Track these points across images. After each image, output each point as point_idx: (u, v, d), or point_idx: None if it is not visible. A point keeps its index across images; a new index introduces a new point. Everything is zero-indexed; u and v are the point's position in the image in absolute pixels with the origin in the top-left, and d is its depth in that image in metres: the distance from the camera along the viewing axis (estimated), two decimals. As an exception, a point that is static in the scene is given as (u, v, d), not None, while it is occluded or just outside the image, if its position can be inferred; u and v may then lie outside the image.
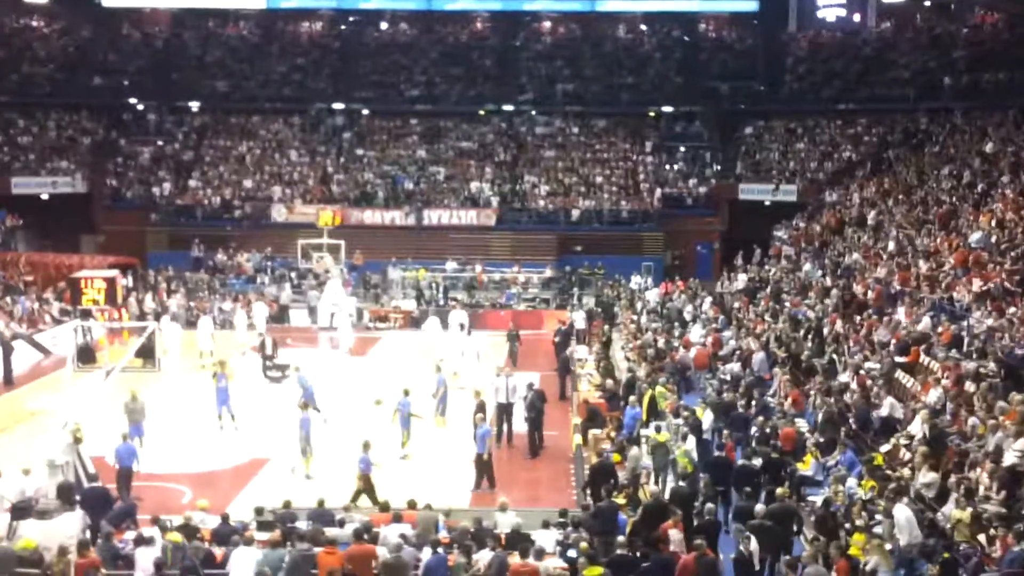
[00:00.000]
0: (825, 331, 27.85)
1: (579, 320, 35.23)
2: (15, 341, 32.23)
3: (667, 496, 18.10)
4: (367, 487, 19.88)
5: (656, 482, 19.78)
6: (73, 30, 57.35)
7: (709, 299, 36.76)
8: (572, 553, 15.50)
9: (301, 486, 20.69)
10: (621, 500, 18.36)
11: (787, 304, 32.28)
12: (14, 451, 22.40)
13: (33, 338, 34.11)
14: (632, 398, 23.48)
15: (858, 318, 28.00)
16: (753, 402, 23.86)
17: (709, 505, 17.10)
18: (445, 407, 25.33)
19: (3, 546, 15.93)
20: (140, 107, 55.13)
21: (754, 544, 15.53)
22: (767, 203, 48.28)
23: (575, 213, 49.28)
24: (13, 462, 19.58)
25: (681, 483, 18.66)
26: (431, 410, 25.19)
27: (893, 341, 24.79)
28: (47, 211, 49.20)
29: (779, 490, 17.69)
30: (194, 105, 55.14)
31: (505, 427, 24.83)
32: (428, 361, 29.52)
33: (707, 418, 22.44)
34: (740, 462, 19.55)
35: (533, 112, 54.67)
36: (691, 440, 20.65)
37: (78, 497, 17.85)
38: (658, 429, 21.71)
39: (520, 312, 40.54)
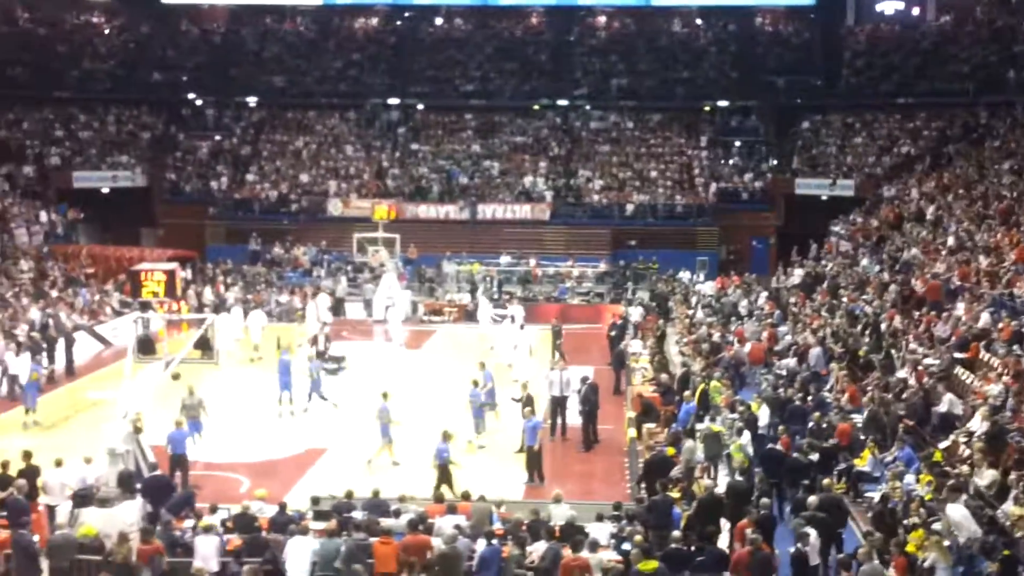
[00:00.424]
0: (883, 327, 27.57)
1: (635, 314, 35.12)
2: (77, 332, 32.78)
3: (722, 490, 18.02)
4: (445, 478, 19.98)
5: (708, 473, 19.75)
6: (132, 27, 58.09)
7: (764, 294, 36.52)
8: (626, 546, 15.50)
9: (357, 476, 20.79)
10: (675, 494, 18.32)
11: (844, 299, 31.99)
12: (76, 440, 22.81)
13: (94, 329, 34.67)
14: (687, 392, 23.42)
15: (916, 314, 27.70)
16: (809, 398, 23.69)
17: (764, 500, 17.01)
18: (494, 401, 25.34)
19: (65, 533, 16.20)
20: (198, 102, 55.72)
21: (815, 537, 15.43)
22: (824, 198, 47.84)
23: (629, 207, 49.12)
24: (75, 451, 19.94)
25: (737, 478, 18.56)
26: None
27: (953, 337, 24.51)
28: (108, 205, 49.88)
29: (826, 480, 17.58)
30: (251, 100, 55.64)
31: (559, 420, 24.83)
32: (483, 354, 29.65)
33: (763, 413, 22.33)
34: (793, 455, 19.45)
35: (587, 107, 54.55)
36: (746, 435, 20.56)
37: (139, 485, 18.13)
38: (712, 420, 21.65)
39: (569, 306, 40.53)
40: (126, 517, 16.96)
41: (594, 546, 15.31)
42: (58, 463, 18.62)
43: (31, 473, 18.22)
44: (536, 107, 54.75)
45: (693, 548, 15.49)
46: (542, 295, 42.13)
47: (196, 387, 23.30)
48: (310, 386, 26.47)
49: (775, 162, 51.63)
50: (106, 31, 57.88)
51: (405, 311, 38.63)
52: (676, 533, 15.78)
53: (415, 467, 21.93)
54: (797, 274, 38.26)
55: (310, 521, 16.87)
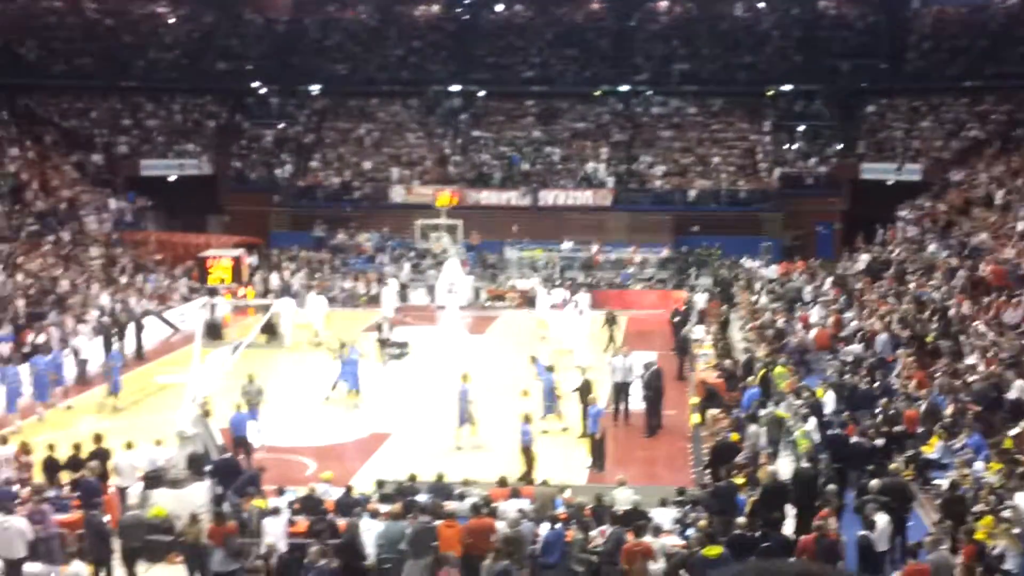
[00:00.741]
0: (951, 312, 27.20)
1: (700, 301, 34.89)
2: (146, 318, 33.30)
3: (787, 477, 17.94)
4: (529, 460, 20.09)
5: (771, 456, 19.67)
6: (197, 16, 58.71)
7: (829, 279, 36.17)
8: (690, 532, 15.50)
9: (421, 460, 20.93)
10: (740, 480, 18.26)
11: (911, 285, 31.59)
12: (146, 423, 23.21)
13: (163, 315, 35.19)
14: (750, 378, 23.30)
15: (985, 299, 27.28)
16: (876, 384, 23.46)
17: (830, 486, 16.90)
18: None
19: (136, 514, 16.52)
20: (263, 91, 56.22)
21: (883, 524, 15.31)
22: (890, 182, 47.19)
23: (692, 193, 48.83)
24: (145, 433, 20.31)
25: (803, 464, 18.45)
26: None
27: (1022, 323, 24.13)
28: (175, 192, 50.51)
29: (892, 465, 17.43)
30: (314, 88, 56.03)
31: (622, 406, 24.82)
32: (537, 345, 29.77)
33: (828, 399, 22.14)
34: (855, 440, 19.30)
35: (649, 92, 54.26)
36: (811, 421, 20.42)
37: (208, 467, 18.42)
38: (776, 405, 21.53)
39: (631, 292, 40.46)
40: (195, 498, 17.28)
41: (657, 531, 15.34)
42: (129, 445, 19.01)
43: (102, 455, 18.59)
44: (597, 93, 54.55)
45: (758, 534, 15.44)
46: (604, 281, 42.06)
47: (259, 373, 23.59)
48: (341, 374, 26.51)
49: (840, 147, 51.01)
50: (171, 21, 58.56)
51: (468, 297, 38.78)
52: (741, 519, 15.74)
53: (481, 451, 22.08)
54: (863, 259, 37.82)
55: (376, 504, 17.06)
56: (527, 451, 20.18)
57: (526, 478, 19.39)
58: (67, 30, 55.10)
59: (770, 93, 53.32)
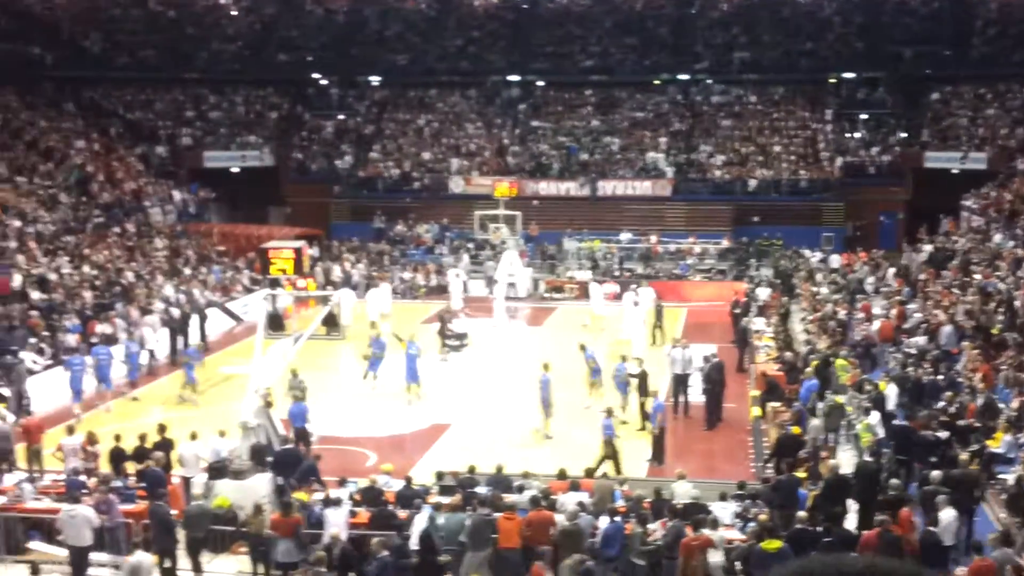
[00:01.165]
0: (1017, 303, 26.76)
1: (763, 294, 34.57)
2: (209, 309, 33.75)
3: (850, 471, 17.79)
4: (611, 453, 20.14)
5: (832, 447, 19.56)
6: (259, 8, 59.25)
7: (892, 270, 35.74)
8: (751, 526, 15.43)
9: (480, 451, 20.99)
10: (801, 474, 18.15)
11: (977, 275, 31.12)
12: (209, 413, 23.52)
13: (226, 306, 35.66)
14: (807, 370, 23.13)
15: (1054, 291, 26.82)
16: (940, 376, 23.16)
17: (893, 480, 16.74)
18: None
19: (200, 504, 16.76)
20: (323, 82, 56.62)
21: (948, 517, 15.13)
22: (955, 171, 46.50)
23: (752, 183, 48.46)
24: (209, 424, 20.57)
25: (866, 458, 18.29)
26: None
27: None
28: (237, 184, 51.07)
29: (962, 456, 17.20)
30: (374, 79, 56.32)
31: (681, 399, 24.74)
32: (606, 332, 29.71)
33: (891, 392, 21.90)
34: (922, 432, 19.09)
35: (709, 81, 53.89)
36: (874, 415, 20.24)
37: (270, 458, 18.64)
38: (835, 393, 21.38)
39: (686, 283, 40.31)
40: (258, 489, 17.48)
41: (716, 524, 15.28)
42: (193, 436, 19.26)
43: (166, 446, 18.85)
44: (657, 82, 54.30)
45: (819, 528, 15.33)
46: (663, 272, 41.91)
47: (320, 364, 23.83)
48: (370, 366, 26.69)
49: (903, 135, 50.35)
50: (233, 13, 59.15)
51: (526, 288, 38.82)
52: (802, 513, 15.64)
53: (540, 443, 22.12)
54: (926, 250, 37.34)
55: (436, 495, 17.16)
56: (609, 444, 20.21)
57: (596, 465, 19.52)
58: (131, 23, 55.91)
59: (832, 81, 52.72)
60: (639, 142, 51.61)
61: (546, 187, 48.93)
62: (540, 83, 55.33)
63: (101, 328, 29.14)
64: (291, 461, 18.49)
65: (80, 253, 35.58)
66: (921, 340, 26.85)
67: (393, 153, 52.63)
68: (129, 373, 27.31)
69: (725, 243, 44.09)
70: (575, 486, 17.10)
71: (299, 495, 16.97)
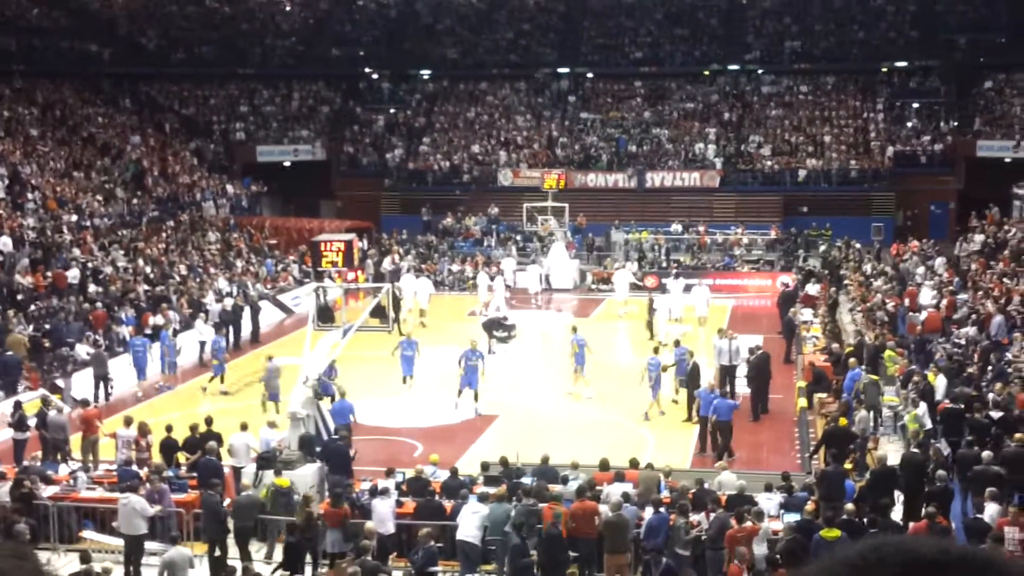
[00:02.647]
0: (1069, 295, 26.50)
1: (812, 290, 34.21)
2: (261, 301, 34.21)
3: (896, 462, 17.77)
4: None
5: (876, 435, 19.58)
6: (312, 3, 59.75)
7: (942, 260, 35.42)
8: (794, 517, 15.48)
9: (527, 442, 21.09)
10: (848, 465, 18.15)
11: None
12: (260, 404, 23.90)
13: (277, 298, 36.13)
14: (852, 360, 23.04)
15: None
16: (990, 368, 23.00)
17: (941, 472, 16.70)
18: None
19: (249, 494, 17.05)
20: (374, 76, 56.99)
21: (993, 510, 15.10)
22: (1008, 160, 45.93)
23: (802, 173, 48.17)
24: (260, 415, 20.94)
25: (912, 450, 18.25)
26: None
27: None
28: (289, 177, 51.59)
29: (1017, 435, 17.12)
30: (425, 73, 56.61)
31: (727, 389, 24.69)
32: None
33: (940, 384, 21.77)
34: (975, 416, 19.02)
35: (759, 71, 53.59)
36: (922, 406, 20.16)
37: (317, 449, 18.91)
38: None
39: (734, 274, 40.22)
40: (307, 480, 17.77)
41: (760, 516, 15.33)
42: (243, 426, 19.58)
43: (213, 437, 19.11)
44: (706, 73, 54.09)
45: (866, 520, 15.34)
46: (711, 263, 41.84)
47: (370, 356, 24.12)
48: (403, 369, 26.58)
49: (955, 124, 49.77)
50: (287, 8, 59.70)
51: (574, 280, 38.91)
52: (849, 505, 15.65)
53: (585, 434, 22.25)
54: (977, 240, 36.95)
55: (481, 486, 17.35)
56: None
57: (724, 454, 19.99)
58: (186, 19, 56.57)
59: (884, 70, 52.23)
60: (688, 133, 51.46)
61: (594, 179, 48.95)
62: (589, 75, 55.33)
63: (155, 320, 29.69)
64: (337, 453, 18.72)
65: (135, 247, 36.19)
66: (971, 331, 26.62)
67: (443, 146, 52.88)
68: (167, 366, 27.72)
69: (773, 234, 43.85)
70: (620, 477, 17.21)
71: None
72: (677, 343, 25.36)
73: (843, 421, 19.91)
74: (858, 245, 41.31)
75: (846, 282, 36.05)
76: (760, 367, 24.04)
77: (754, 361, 24.18)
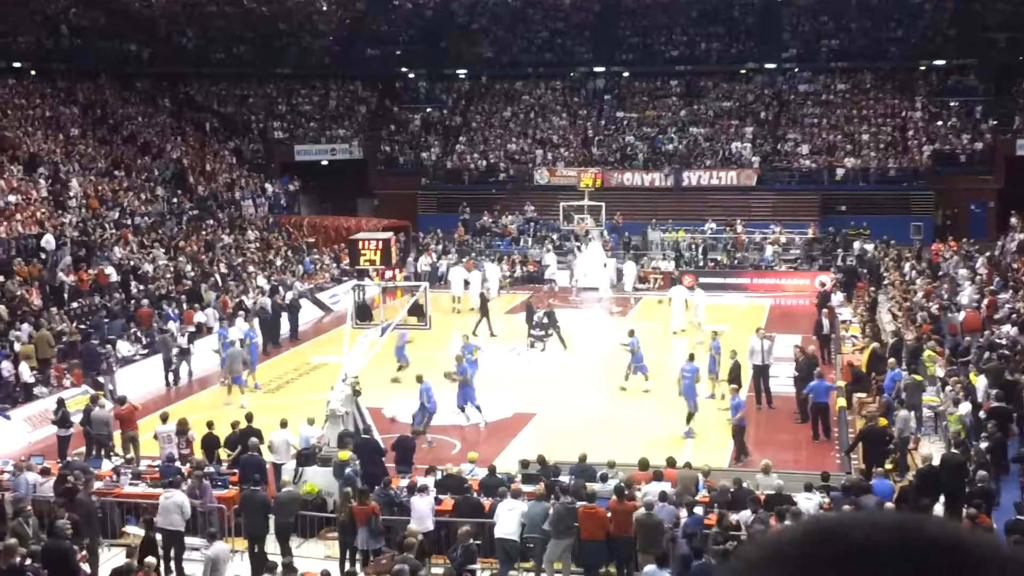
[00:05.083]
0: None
1: (836, 300, 33.70)
2: (300, 299, 34.42)
3: (937, 463, 17.67)
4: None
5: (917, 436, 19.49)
6: (349, 2, 60.01)
7: (982, 260, 35.12)
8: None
9: (564, 440, 21.11)
10: (888, 465, 18.08)
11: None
12: (300, 401, 24.07)
13: (316, 296, 36.35)
14: (890, 360, 22.88)
15: None
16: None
17: (982, 472, 16.59)
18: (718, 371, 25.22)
19: (290, 490, 17.20)
20: (411, 75, 57.18)
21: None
22: (1049, 158, 45.47)
23: (839, 172, 47.89)
24: (299, 412, 21.08)
25: (952, 450, 18.14)
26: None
27: None
28: (326, 176, 51.85)
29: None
30: (461, 72, 56.73)
31: (763, 389, 24.57)
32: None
33: (980, 383, 21.61)
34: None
35: (796, 69, 53.30)
36: (964, 405, 20.02)
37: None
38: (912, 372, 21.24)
39: (771, 273, 39.99)
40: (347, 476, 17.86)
41: (798, 516, 15.27)
42: (283, 423, 19.72)
43: (255, 434, 19.24)
44: (743, 71, 53.88)
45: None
46: (747, 262, 41.68)
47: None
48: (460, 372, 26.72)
49: (995, 122, 49.32)
50: (324, 8, 60.00)
51: (610, 279, 38.88)
52: (889, 505, 15.58)
53: (624, 433, 22.24)
54: (1018, 239, 36.61)
55: (519, 484, 17.39)
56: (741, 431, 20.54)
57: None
58: (225, 19, 56.99)
59: (922, 68, 51.83)
60: (724, 131, 51.29)
61: (631, 178, 48.88)
62: (625, 74, 55.25)
63: (197, 318, 29.99)
64: (370, 450, 18.80)
65: (176, 245, 36.52)
66: (1012, 330, 26.38)
67: (479, 145, 52.97)
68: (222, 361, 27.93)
69: (811, 233, 43.60)
70: (658, 476, 17.20)
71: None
72: (715, 335, 25.37)
73: (883, 421, 19.82)
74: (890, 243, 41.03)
75: (885, 282, 35.83)
76: (804, 369, 23.74)
77: (800, 364, 23.91)
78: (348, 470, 17.43)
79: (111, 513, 17.50)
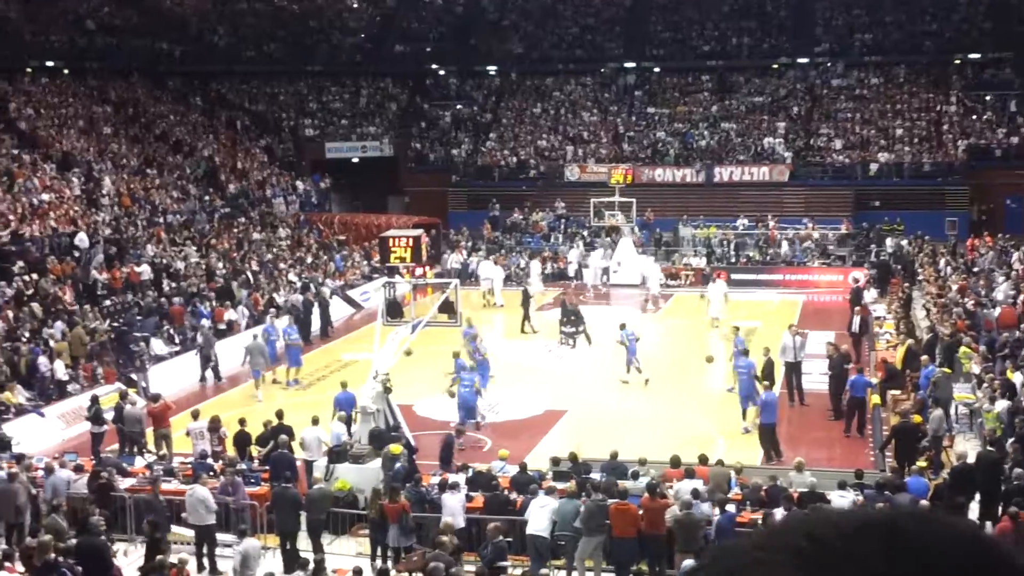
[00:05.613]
0: None
1: (869, 296, 33.45)
2: (331, 297, 34.50)
3: (972, 460, 17.48)
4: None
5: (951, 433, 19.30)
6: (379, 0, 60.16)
7: (1018, 255, 34.75)
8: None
9: (595, 438, 21.03)
10: (922, 463, 17.90)
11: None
12: (330, 398, 24.06)
13: (347, 293, 36.41)
14: (924, 357, 22.65)
15: None
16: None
17: (1018, 470, 16.40)
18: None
19: (322, 487, 17.21)
20: (441, 72, 57.20)
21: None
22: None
23: (873, 167, 47.51)
24: (330, 409, 21.10)
25: (988, 448, 17.94)
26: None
27: None
28: (357, 173, 51.94)
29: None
30: (491, 68, 56.68)
31: (795, 386, 24.39)
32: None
33: (1017, 380, 21.37)
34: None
35: (830, 64, 52.90)
36: (1000, 403, 19.80)
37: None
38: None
39: (803, 269, 39.71)
40: (377, 473, 17.89)
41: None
42: (315, 421, 19.77)
43: (286, 431, 19.28)
44: (775, 66, 53.54)
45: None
46: (780, 258, 41.42)
47: (443, 350, 24.27)
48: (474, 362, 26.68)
49: (1031, 116, 48.77)
50: (355, 5, 60.12)
51: (640, 275, 38.71)
52: (923, 503, 15.43)
53: (655, 430, 22.15)
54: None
55: (550, 481, 17.34)
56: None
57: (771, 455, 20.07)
58: (256, 17, 57.19)
59: (957, 62, 51.34)
60: (757, 127, 51.00)
61: (662, 174, 48.69)
62: (656, 69, 55.04)
63: (228, 315, 30.12)
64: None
65: (207, 243, 36.68)
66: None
67: (509, 142, 52.93)
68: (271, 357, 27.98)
69: (844, 228, 43.28)
70: (690, 473, 17.10)
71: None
72: (736, 330, 25.23)
73: (917, 419, 19.65)
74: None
75: (920, 278, 35.53)
76: (838, 366, 23.53)
77: (833, 361, 23.71)
78: (398, 465, 17.49)
79: (144, 510, 17.57)
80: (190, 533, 16.60)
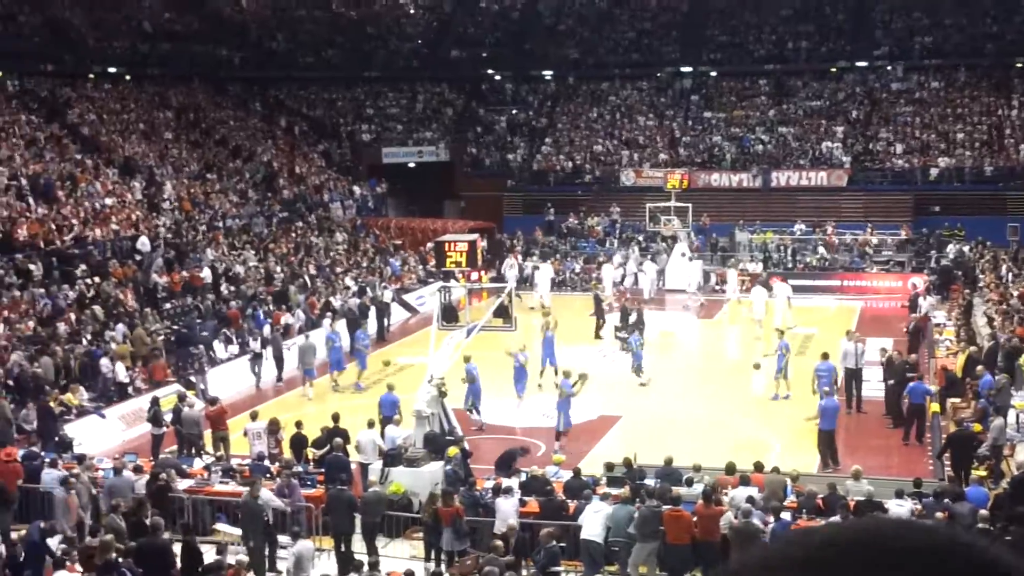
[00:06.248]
0: None
1: (926, 304, 33.06)
2: (388, 301, 34.70)
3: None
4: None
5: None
6: (436, 5, 60.42)
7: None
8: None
9: (649, 444, 20.97)
10: (982, 472, 17.66)
11: None
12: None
13: (403, 298, 36.61)
14: (979, 368, 22.32)
15: None
16: None
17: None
18: (786, 371, 24.89)
19: (376, 490, 17.33)
20: (497, 77, 57.33)
21: None
22: None
23: (933, 172, 46.91)
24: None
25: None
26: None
27: None
28: (413, 178, 52.16)
29: None
30: (547, 73, 56.72)
31: (854, 393, 24.17)
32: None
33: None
34: None
35: (889, 67, 52.32)
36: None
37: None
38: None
39: (862, 275, 39.26)
40: (432, 477, 17.99)
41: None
42: (370, 424, 19.90)
43: (341, 433, 19.43)
44: (833, 69, 53.06)
45: (998, 527, 14.90)
46: (839, 264, 41.06)
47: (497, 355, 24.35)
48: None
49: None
50: (411, 11, 60.47)
51: (697, 280, 38.56)
52: (983, 512, 15.23)
53: (710, 436, 22.05)
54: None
55: (604, 487, 17.33)
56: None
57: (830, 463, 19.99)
58: (314, 24, 57.69)
59: (1020, 65, 50.55)
60: (815, 131, 50.57)
61: (718, 178, 48.44)
62: (712, 73, 54.77)
63: (285, 319, 30.40)
64: (439, 450, 18.86)
65: (265, 247, 37.05)
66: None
67: (565, 146, 52.93)
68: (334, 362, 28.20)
69: (904, 234, 42.77)
70: (745, 480, 17.01)
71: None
72: (781, 333, 25.07)
73: (978, 427, 19.40)
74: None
75: (981, 284, 35.03)
76: (898, 373, 23.29)
77: (894, 368, 23.48)
78: (448, 467, 17.60)
79: (202, 511, 17.81)
80: (237, 532, 16.77)
